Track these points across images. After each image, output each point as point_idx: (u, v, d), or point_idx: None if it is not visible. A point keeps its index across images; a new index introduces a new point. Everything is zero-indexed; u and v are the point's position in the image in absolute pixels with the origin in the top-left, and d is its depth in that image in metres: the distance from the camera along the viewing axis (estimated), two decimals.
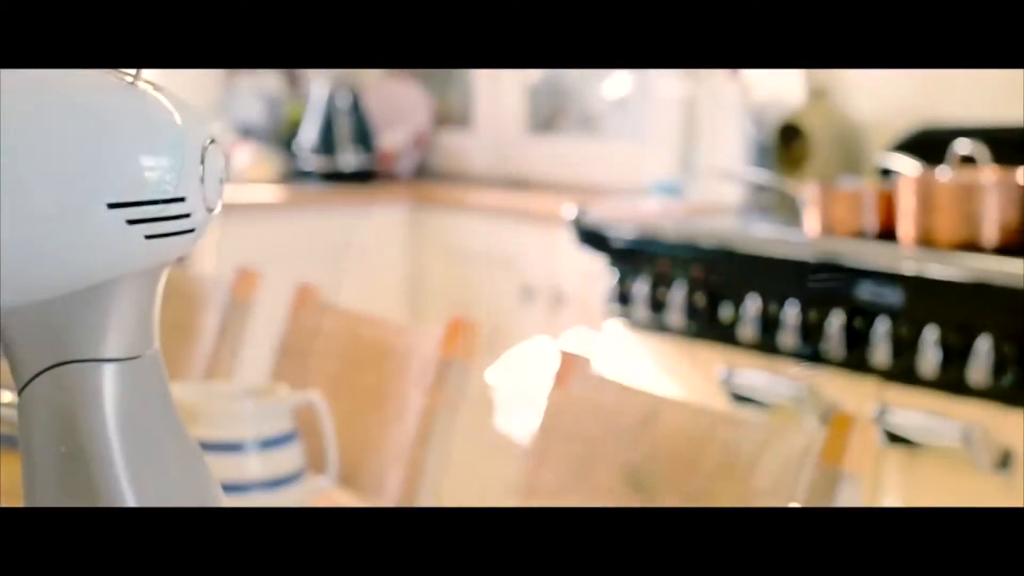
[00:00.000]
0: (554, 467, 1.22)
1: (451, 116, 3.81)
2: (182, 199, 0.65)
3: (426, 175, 3.69)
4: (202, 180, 0.66)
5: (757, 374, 2.08)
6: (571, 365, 1.24)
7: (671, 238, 2.26)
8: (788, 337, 2.04)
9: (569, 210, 2.44)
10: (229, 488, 1.15)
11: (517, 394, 2.41)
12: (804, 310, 2.03)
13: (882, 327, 1.92)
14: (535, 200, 3.05)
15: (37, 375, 0.67)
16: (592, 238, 2.38)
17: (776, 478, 1.04)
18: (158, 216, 0.64)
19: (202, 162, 0.65)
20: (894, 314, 1.93)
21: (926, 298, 1.90)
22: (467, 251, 3.19)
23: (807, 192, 2.18)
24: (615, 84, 3.40)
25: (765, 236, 2.18)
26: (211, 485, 0.72)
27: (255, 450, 1.17)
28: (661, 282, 2.24)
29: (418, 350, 1.41)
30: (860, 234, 2.11)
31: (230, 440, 1.16)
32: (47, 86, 0.62)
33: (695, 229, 2.25)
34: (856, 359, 1.97)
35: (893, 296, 1.93)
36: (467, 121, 3.72)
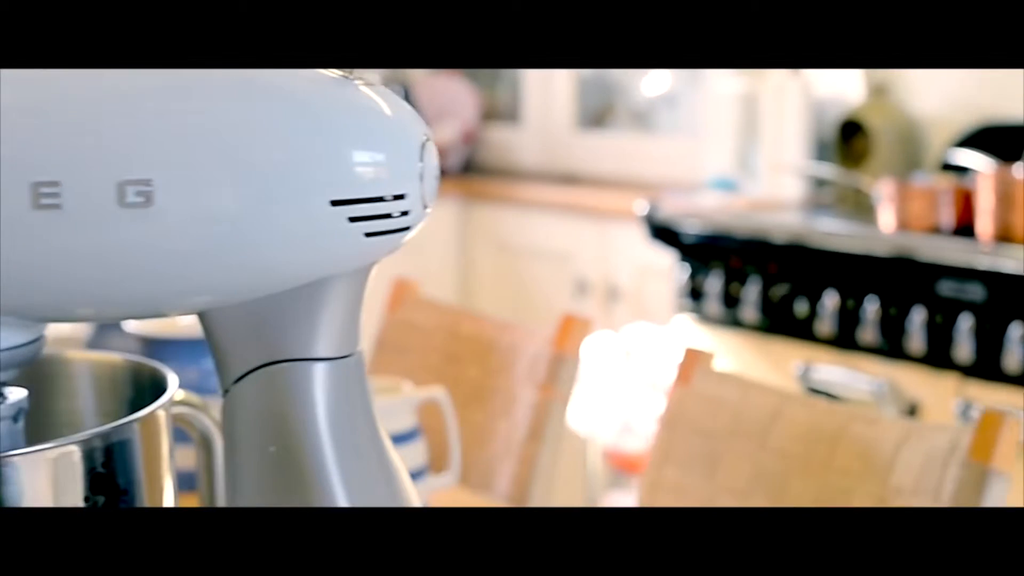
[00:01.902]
0: (678, 464, 1.21)
1: (500, 111, 3.81)
2: (402, 196, 0.64)
3: (475, 170, 3.69)
4: (421, 177, 0.65)
5: (835, 369, 2.08)
6: (692, 360, 1.24)
7: (744, 233, 2.26)
8: (867, 333, 2.03)
9: (640, 205, 2.44)
10: None
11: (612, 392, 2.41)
12: (884, 306, 2.02)
13: (964, 323, 1.92)
14: (586, 195, 3.05)
15: (246, 374, 0.66)
16: (663, 233, 2.38)
17: (918, 476, 1.04)
18: (378, 213, 0.64)
19: (421, 159, 0.65)
20: (976, 310, 1.92)
21: (1008, 293, 1.89)
22: (518, 246, 3.19)
23: (882, 188, 2.17)
24: (657, 80, 3.39)
25: (839, 232, 2.17)
26: (406, 484, 0.72)
27: None
28: (734, 277, 2.24)
29: (526, 346, 1.41)
30: (936, 230, 2.10)
31: None
32: (267, 86, 0.62)
33: (768, 224, 2.25)
34: (937, 355, 1.96)
35: (974, 292, 1.93)
36: (516, 116, 3.72)
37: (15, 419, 0.69)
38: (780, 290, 2.18)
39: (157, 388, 0.76)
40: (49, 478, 0.65)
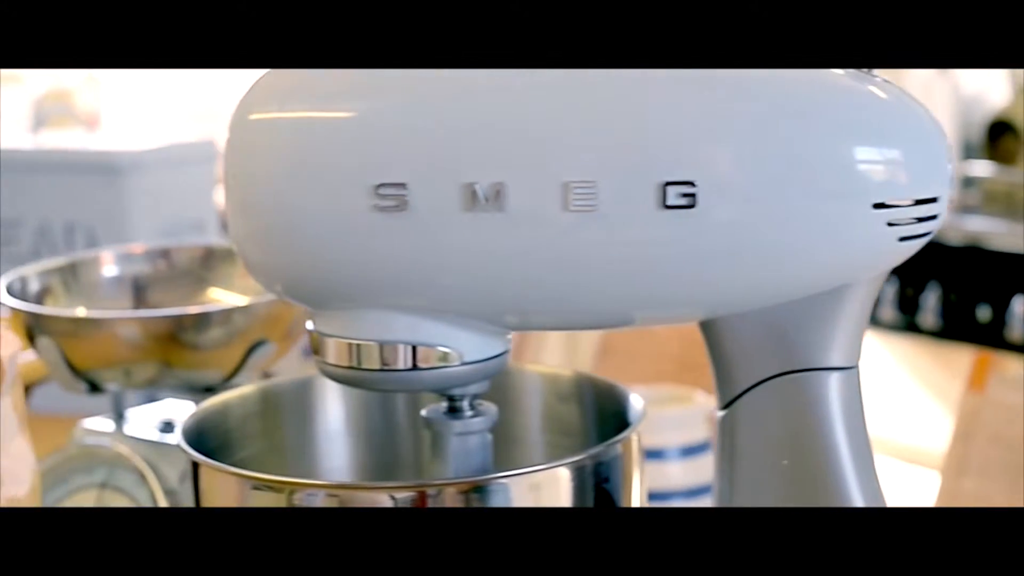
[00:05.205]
0: (976, 475, 1.17)
1: None
2: (935, 200, 0.61)
3: None
4: (951, 180, 0.62)
5: None
6: (984, 367, 1.20)
7: None
8: None
9: None
10: (652, 496, 1.12)
11: None
12: None
13: None
14: None
15: (755, 385, 0.63)
16: None
17: None
18: (913, 217, 0.60)
19: (950, 160, 0.61)
20: None
21: None
22: None
23: None
24: None
25: (1017, 233, 2.12)
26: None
27: (676, 458, 1.13)
28: (909, 282, 2.19)
29: None
30: None
31: (653, 447, 1.12)
32: (803, 84, 0.59)
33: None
34: None
35: None
36: None
37: (486, 433, 0.66)
38: (959, 294, 2.13)
39: (606, 402, 0.72)
40: (535, 498, 0.61)
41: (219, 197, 1.66)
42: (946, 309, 2.16)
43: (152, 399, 0.89)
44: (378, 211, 0.57)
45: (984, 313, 2.10)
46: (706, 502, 1.15)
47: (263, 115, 0.60)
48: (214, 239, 1.51)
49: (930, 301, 2.17)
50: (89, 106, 3.14)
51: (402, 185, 0.57)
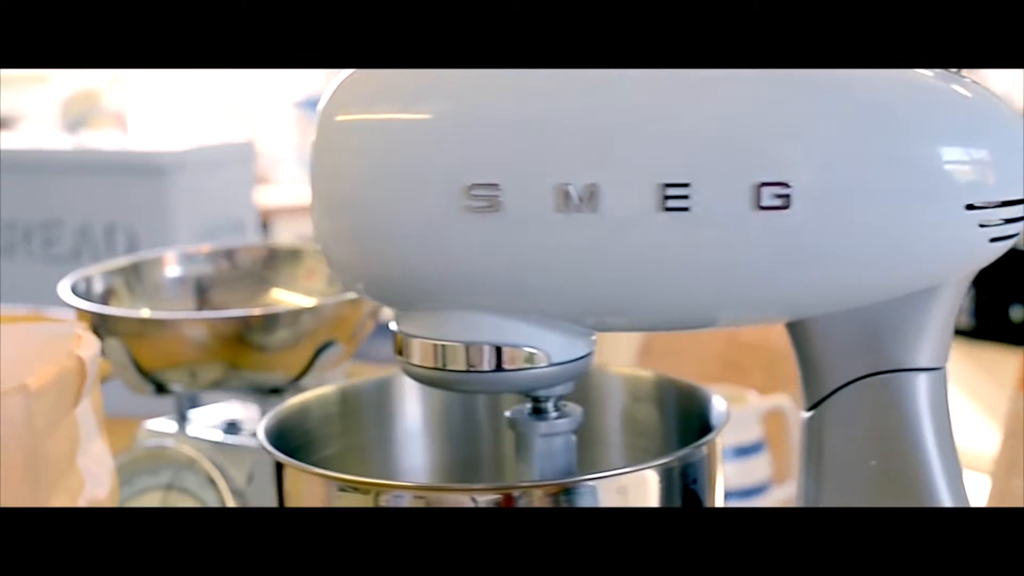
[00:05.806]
0: None
1: None
2: (1022, 201, 0.60)
3: None
4: None
5: None
6: None
7: None
8: None
9: None
10: None
11: None
12: None
13: None
14: None
15: (844, 385, 0.63)
16: None
17: None
18: (1003, 218, 0.60)
19: None
20: None
21: None
22: None
23: None
24: None
25: None
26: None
27: (730, 459, 1.12)
28: None
29: None
30: None
31: None
32: (895, 83, 0.59)
33: None
34: None
35: None
36: None
37: (571, 435, 0.66)
38: (992, 295, 2.13)
39: (685, 403, 0.72)
40: (622, 501, 0.61)
41: (259, 197, 1.66)
42: (979, 309, 2.16)
43: (196, 402, 0.88)
44: (470, 212, 0.57)
45: (1017, 313, 2.10)
46: (758, 503, 1.15)
47: (351, 116, 0.60)
48: (255, 238, 1.51)
49: (963, 301, 2.16)
50: (116, 106, 3.14)
51: (495, 186, 0.57)
